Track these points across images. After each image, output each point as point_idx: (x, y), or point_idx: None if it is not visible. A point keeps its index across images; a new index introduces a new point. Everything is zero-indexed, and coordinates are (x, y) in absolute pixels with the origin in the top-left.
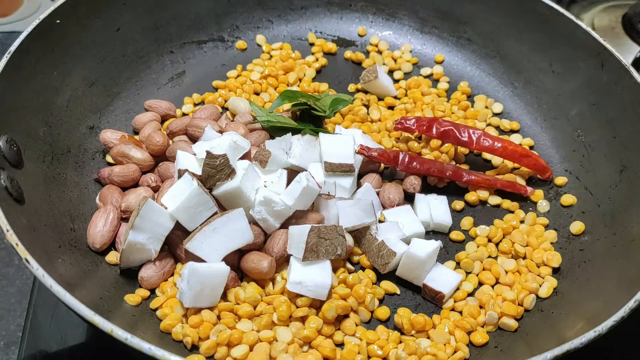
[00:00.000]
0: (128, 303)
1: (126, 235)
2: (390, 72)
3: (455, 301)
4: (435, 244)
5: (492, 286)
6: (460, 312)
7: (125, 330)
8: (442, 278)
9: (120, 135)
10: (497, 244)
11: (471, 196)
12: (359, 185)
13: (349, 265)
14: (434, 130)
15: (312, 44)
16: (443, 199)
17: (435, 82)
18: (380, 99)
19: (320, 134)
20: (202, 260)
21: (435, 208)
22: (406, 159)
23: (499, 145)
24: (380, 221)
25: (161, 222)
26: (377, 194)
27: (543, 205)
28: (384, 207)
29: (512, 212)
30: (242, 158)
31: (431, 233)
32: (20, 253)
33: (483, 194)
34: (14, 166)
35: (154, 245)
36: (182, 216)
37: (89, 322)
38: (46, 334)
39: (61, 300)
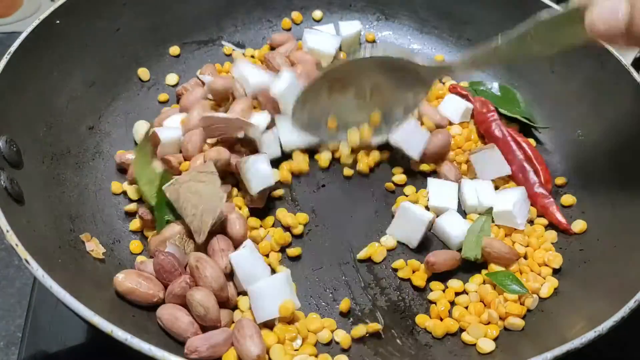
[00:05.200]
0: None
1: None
2: None
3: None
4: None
5: (494, 286)
6: (467, 307)
7: (125, 331)
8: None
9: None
10: None
11: None
12: None
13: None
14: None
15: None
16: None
17: None
18: None
19: None
20: None
21: (482, 191)
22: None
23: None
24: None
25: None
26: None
27: None
28: None
29: None
30: None
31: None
32: (20, 253)
33: None
34: (13, 166)
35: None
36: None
37: (88, 322)
38: (46, 334)
39: (61, 300)
